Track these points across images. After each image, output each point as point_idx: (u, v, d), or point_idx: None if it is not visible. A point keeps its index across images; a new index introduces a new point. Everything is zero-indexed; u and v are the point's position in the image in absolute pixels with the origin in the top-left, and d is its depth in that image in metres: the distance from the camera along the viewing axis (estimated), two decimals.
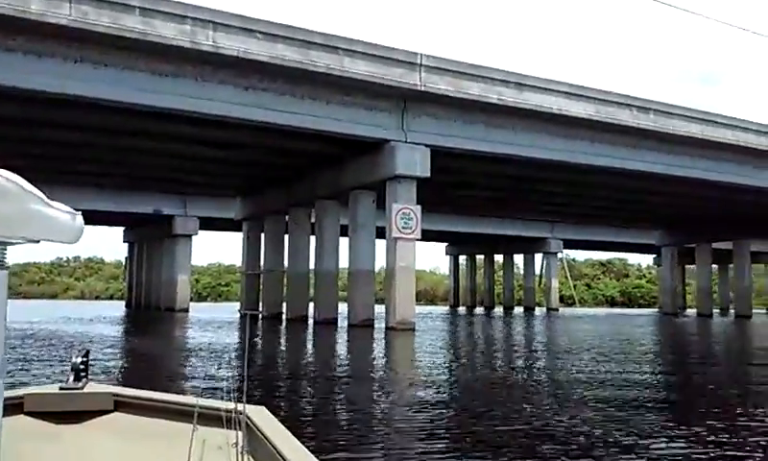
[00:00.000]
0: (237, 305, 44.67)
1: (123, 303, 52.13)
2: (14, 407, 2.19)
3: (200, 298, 77.62)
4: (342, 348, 16.94)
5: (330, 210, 25.63)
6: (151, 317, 33.76)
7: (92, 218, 41.85)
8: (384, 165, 21.66)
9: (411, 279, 21.70)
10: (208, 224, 41.48)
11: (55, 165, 27.76)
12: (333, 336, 20.32)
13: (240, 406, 1.99)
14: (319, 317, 25.26)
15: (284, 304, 29.25)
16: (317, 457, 1.77)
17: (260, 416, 2.12)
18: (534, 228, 51.41)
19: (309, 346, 17.93)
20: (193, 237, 40.48)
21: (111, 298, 78.91)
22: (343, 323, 24.54)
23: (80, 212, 1.55)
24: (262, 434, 1.95)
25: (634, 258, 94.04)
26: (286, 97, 19.86)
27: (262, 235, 31.67)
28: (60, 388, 2.39)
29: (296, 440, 1.92)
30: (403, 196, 21.50)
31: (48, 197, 1.35)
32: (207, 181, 31.44)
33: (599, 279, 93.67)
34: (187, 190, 36.88)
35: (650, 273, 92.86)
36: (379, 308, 24.45)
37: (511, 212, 45.83)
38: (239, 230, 35.56)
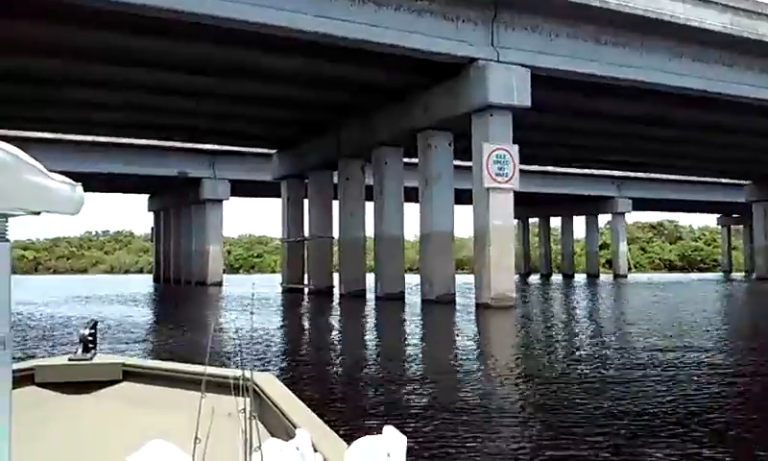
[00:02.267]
0: (273, 277, 40.21)
1: (152, 276, 48.12)
2: (24, 379, 2.16)
3: (231, 270, 74.02)
4: (435, 335, 12.13)
5: (393, 160, 20.64)
6: (180, 293, 29.43)
7: (114, 185, 37.87)
8: (470, 94, 16.56)
9: (509, 241, 16.73)
10: (239, 189, 36.76)
11: (57, 113, 23.20)
12: (407, 317, 15.57)
13: (248, 373, 1.88)
14: (381, 292, 20.49)
15: (335, 277, 24.61)
16: (326, 423, 1.76)
17: (269, 383, 2.14)
18: (597, 186, 45.74)
19: (384, 333, 13.15)
20: (224, 203, 36.00)
21: (141, 271, 76.09)
22: (411, 298, 19.78)
23: (80, 184, 1.50)
24: (270, 400, 1.98)
25: (684, 220, 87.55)
26: (341, 2, 14.82)
27: (305, 202, 26.87)
28: (70, 359, 2.39)
29: (304, 405, 1.95)
30: (496, 133, 16.43)
31: (56, 166, 1.40)
32: (238, 129, 26.15)
33: (653, 241, 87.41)
34: (214, 144, 32.22)
35: (704, 234, 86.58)
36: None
37: (581, 166, 40.32)
38: (273, 195, 30.91)
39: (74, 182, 1.46)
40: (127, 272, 79.52)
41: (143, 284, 38.11)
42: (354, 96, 20.29)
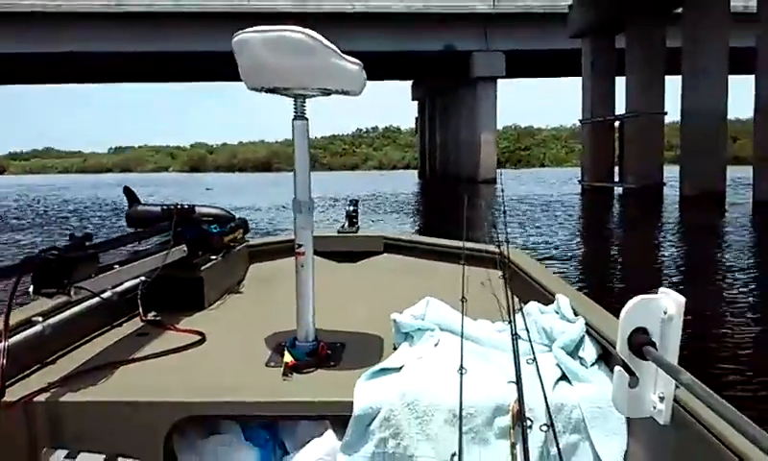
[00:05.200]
0: (556, 172, 33.31)
1: (416, 172, 44.47)
2: None
3: (498, 164, 68.50)
4: None
5: None
6: (446, 194, 24.27)
7: (377, 68, 33.77)
8: None
9: None
10: (510, 68, 29.52)
11: None
12: None
13: (503, 248, 2.08)
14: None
15: (667, 171, 16.94)
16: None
17: (521, 257, 2.17)
18: None
19: None
20: (498, 82, 29.49)
21: (407, 167, 75.00)
22: None
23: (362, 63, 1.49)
24: (525, 272, 1.97)
25: None
26: None
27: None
28: (338, 231, 2.64)
29: (558, 277, 1.92)
30: None
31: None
32: None
33: None
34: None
35: None
36: None
37: None
38: (556, 71, 23.53)
39: (359, 62, 1.47)
40: (394, 167, 79.10)
41: (407, 182, 34.17)
42: None
